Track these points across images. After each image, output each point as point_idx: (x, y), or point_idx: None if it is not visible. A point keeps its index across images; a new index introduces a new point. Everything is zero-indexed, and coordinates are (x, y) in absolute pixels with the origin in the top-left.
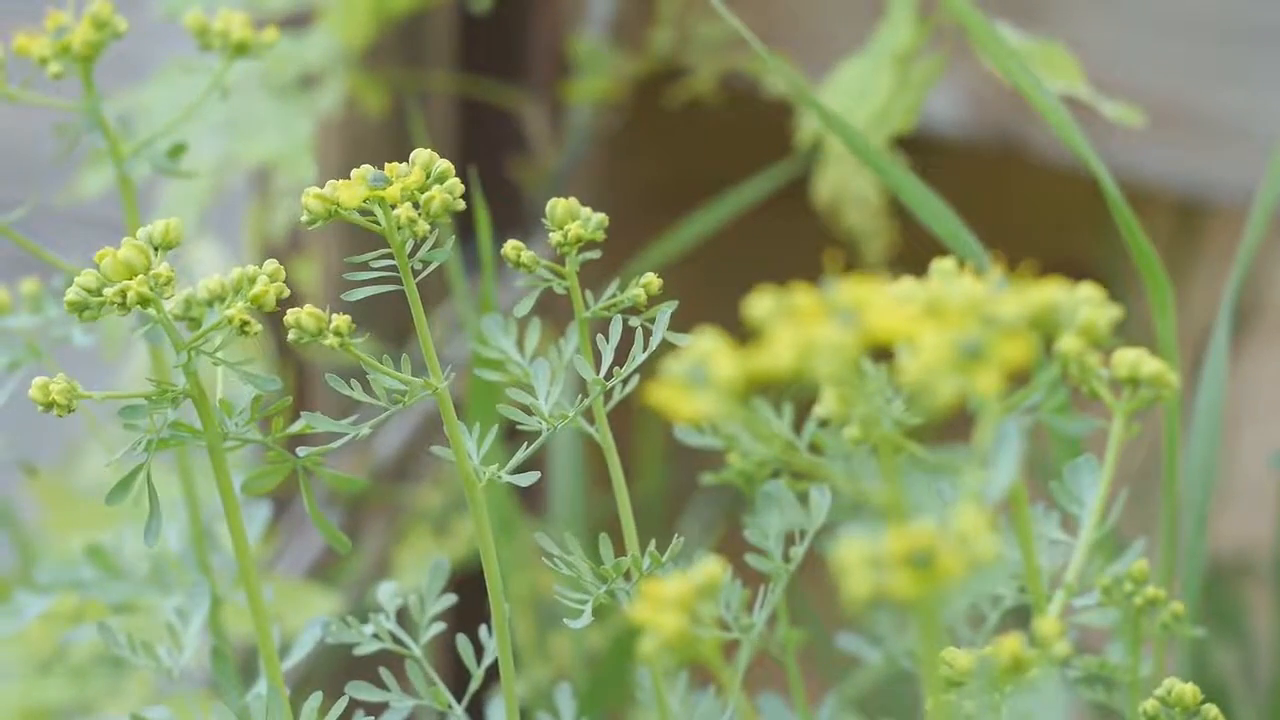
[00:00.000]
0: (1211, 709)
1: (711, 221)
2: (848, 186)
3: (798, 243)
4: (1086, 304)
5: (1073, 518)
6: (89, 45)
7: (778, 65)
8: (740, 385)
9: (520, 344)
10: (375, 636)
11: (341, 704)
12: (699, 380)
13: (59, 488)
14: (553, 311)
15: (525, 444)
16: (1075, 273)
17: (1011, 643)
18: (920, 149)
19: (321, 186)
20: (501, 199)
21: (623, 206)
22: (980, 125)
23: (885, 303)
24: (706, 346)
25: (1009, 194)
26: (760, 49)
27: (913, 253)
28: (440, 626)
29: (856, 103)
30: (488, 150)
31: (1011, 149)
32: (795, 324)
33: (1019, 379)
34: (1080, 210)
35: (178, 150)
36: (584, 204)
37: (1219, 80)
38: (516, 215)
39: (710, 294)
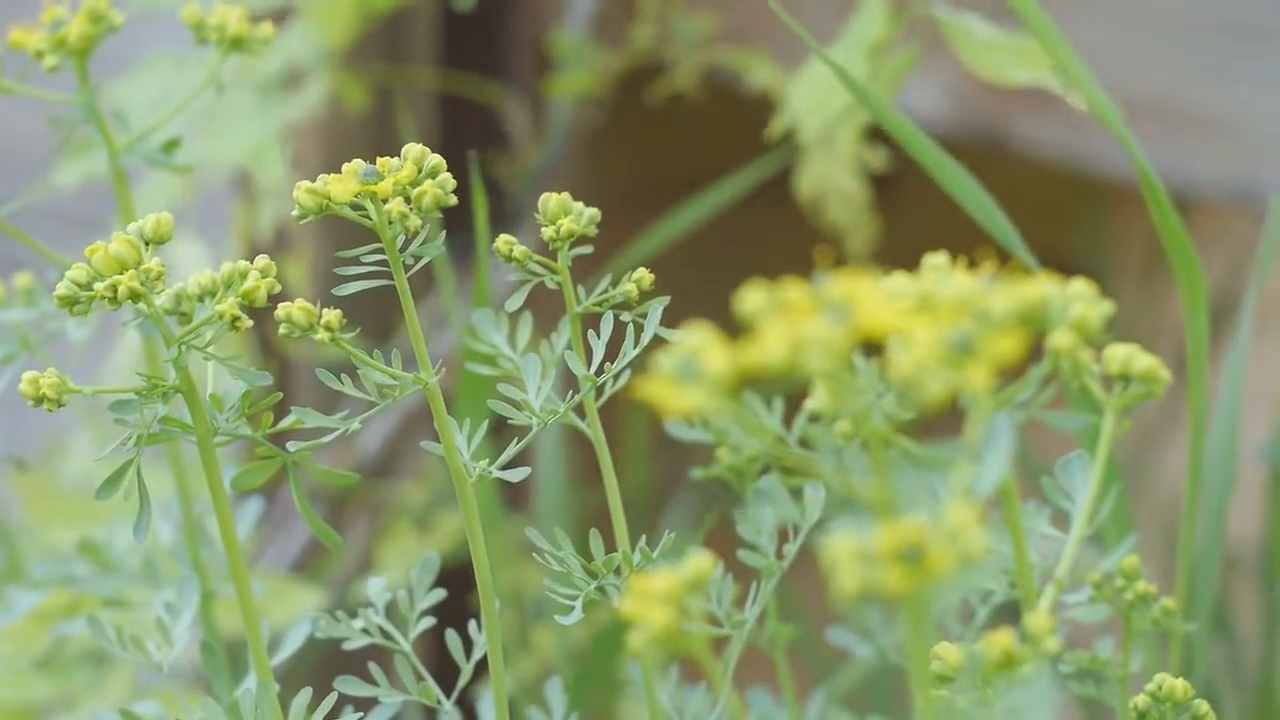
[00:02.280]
0: (1202, 705)
1: (694, 217)
2: (830, 181)
3: (780, 238)
4: (1079, 300)
5: (1064, 513)
6: (84, 39)
7: (794, 26)
8: (731, 380)
9: (511, 339)
10: (364, 631)
11: (331, 699)
12: (690, 375)
13: (41, 483)
14: (536, 307)
15: (516, 440)
16: (1055, 267)
17: (1002, 638)
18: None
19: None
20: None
21: (604, 202)
22: (960, 120)
23: (876, 298)
24: (697, 341)
25: (989, 188)
26: (793, 24)
27: (894, 247)
28: (429, 621)
29: (829, 93)
30: (469, 147)
31: (993, 143)
32: (786, 319)
33: (1011, 374)
34: (1060, 205)
35: (171, 145)
36: (567, 191)
37: (1204, 77)
38: (498, 211)
39: (692, 289)
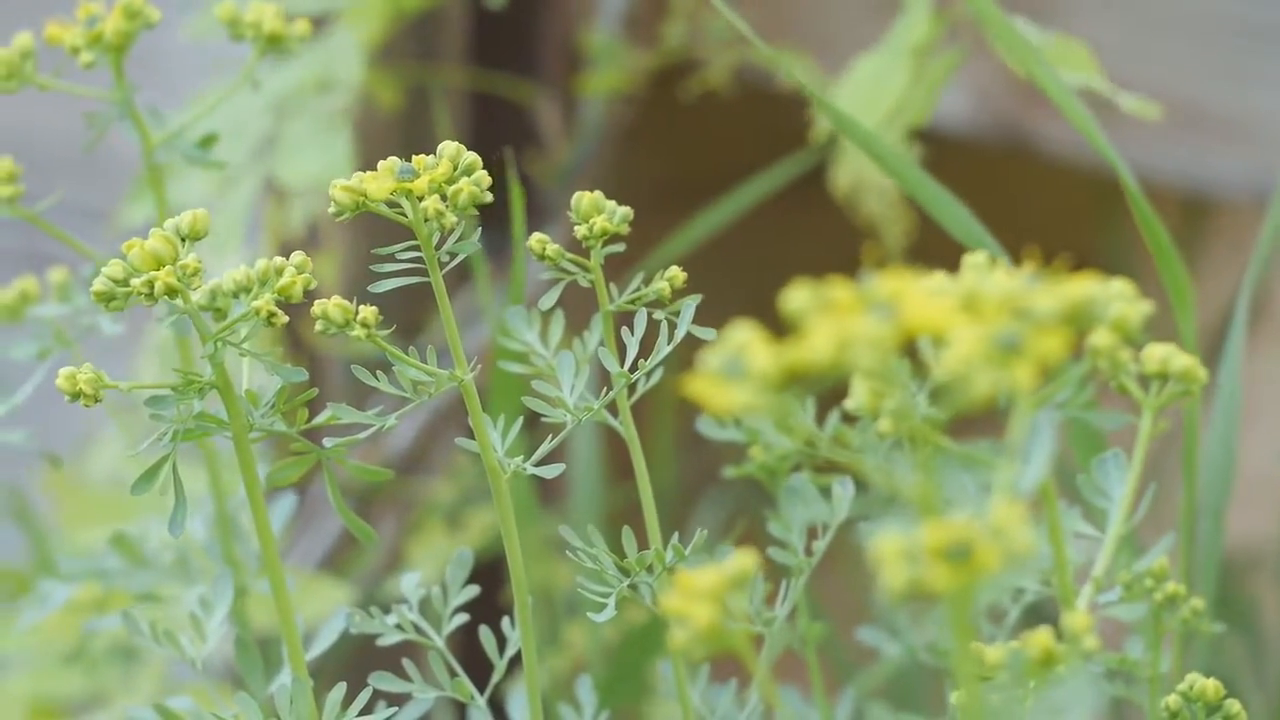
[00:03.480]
0: (1234, 704)
1: (727, 215)
2: (866, 175)
3: (815, 233)
4: (1119, 299)
5: (1097, 512)
6: (121, 35)
7: (790, 63)
8: (778, 378)
9: (544, 336)
10: (398, 628)
11: (366, 694)
12: (736, 372)
13: (71, 480)
14: (566, 305)
15: (550, 436)
16: (1080, 267)
17: (1042, 637)
18: (927, 144)
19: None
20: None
21: (635, 200)
22: (987, 121)
23: (922, 296)
24: (743, 338)
25: (1015, 190)
26: (765, 49)
27: (931, 242)
28: (463, 618)
29: (872, 97)
30: (500, 145)
31: (1019, 145)
32: (833, 317)
33: (1050, 374)
34: (1087, 207)
35: (208, 140)
36: (598, 190)
37: (1226, 79)
38: (530, 209)
39: (727, 286)
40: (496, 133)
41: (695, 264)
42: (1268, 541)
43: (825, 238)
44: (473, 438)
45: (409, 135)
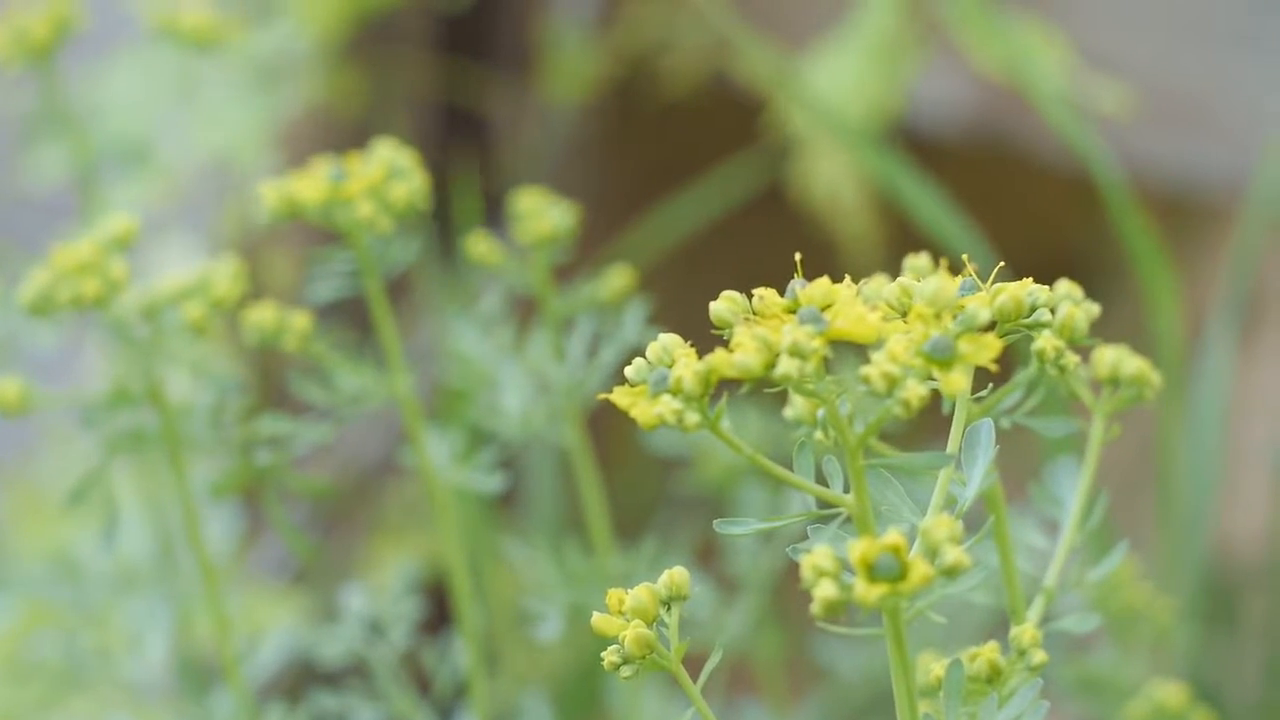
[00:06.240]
0: (1199, 713)
1: (688, 215)
2: (836, 185)
3: (789, 245)
4: (1065, 301)
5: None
6: (48, 44)
7: (762, 51)
8: (702, 389)
9: (493, 343)
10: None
11: (305, 713)
12: (659, 385)
13: (23, 483)
14: (528, 309)
15: (486, 447)
16: (1075, 269)
17: (988, 651)
18: (910, 148)
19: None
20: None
21: (604, 204)
22: (973, 122)
23: (852, 303)
24: (666, 350)
25: (1004, 191)
26: (741, 31)
27: (908, 249)
28: (407, 632)
29: (828, 91)
30: (469, 146)
31: (1007, 146)
32: (760, 325)
33: (1000, 379)
34: (1079, 206)
35: (140, 150)
36: (565, 200)
37: (1212, 73)
38: (495, 212)
39: (703, 299)
40: (465, 134)
41: (674, 272)
42: (1257, 542)
43: (808, 244)
44: None
45: (378, 137)
